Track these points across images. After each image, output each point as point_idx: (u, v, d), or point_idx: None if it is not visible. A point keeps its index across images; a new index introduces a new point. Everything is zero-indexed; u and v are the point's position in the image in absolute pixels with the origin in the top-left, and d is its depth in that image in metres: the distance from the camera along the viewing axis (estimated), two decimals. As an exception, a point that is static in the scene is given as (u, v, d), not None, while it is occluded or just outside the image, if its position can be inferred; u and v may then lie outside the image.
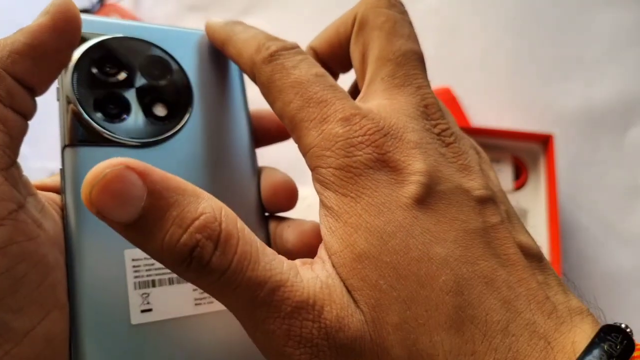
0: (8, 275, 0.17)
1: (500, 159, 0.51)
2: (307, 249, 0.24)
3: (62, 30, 0.19)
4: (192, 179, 0.21)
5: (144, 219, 0.16)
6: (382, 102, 0.21)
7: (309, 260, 0.19)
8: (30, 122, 0.20)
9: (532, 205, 0.50)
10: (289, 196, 0.25)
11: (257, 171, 0.26)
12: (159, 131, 0.22)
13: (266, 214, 0.26)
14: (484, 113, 0.56)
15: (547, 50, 0.59)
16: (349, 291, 0.18)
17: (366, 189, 0.19)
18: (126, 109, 0.22)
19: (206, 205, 0.17)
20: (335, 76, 0.27)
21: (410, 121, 0.20)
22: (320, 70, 0.21)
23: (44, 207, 0.20)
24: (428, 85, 0.23)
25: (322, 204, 0.20)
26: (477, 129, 0.50)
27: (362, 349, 0.17)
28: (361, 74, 0.23)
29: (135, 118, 0.22)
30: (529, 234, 0.21)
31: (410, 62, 0.22)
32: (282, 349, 0.17)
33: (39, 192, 0.20)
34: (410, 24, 0.23)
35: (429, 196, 0.19)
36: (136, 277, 0.20)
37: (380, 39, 0.22)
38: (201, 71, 0.25)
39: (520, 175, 0.51)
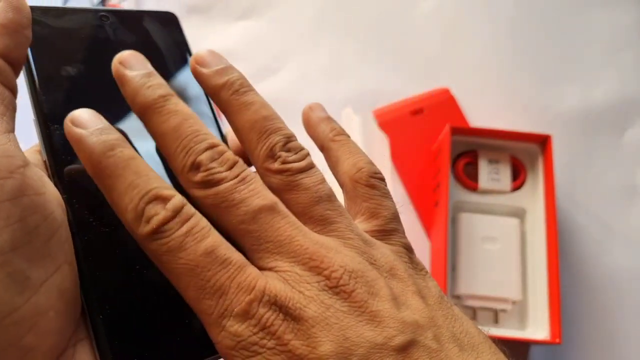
0: (21, 225, 0.18)
1: (498, 159, 0.51)
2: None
3: (18, 7, 0.21)
4: None
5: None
6: (279, 268, 0.20)
7: None
8: None
9: (530, 206, 0.50)
10: None
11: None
12: None
13: None
14: (482, 114, 0.56)
15: (545, 52, 0.59)
16: None
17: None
18: None
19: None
20: None
21: (304, 287, 0.19)
22: (210, 241, 0.19)
23: (42, 172, 0.21)
24: (300, 238, 0.20)
25: None
26: (476, 129, 0.51)
27: None
28: None
29: None
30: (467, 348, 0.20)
31: (265, 224, 0.21)
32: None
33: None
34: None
35: (407, 345, 0.18)
36: None
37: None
38: None
39: (519, 176, 0.51)
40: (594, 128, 0.56)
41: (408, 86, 0.57)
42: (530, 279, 0.48)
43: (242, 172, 0.21)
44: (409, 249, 0.23)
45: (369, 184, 0.23)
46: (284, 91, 0.57)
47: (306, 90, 0.57)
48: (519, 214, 0.50)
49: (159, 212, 0.19)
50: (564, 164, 0.53)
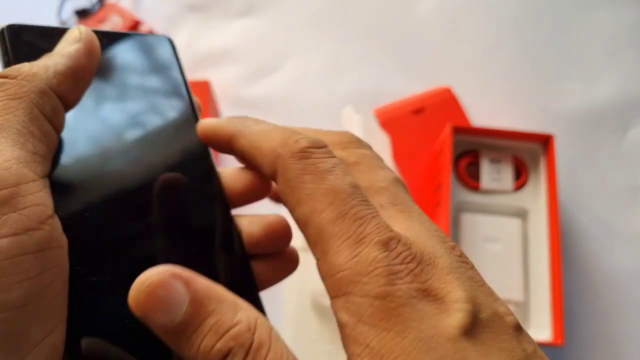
0: (37, 280, 0.17)
1: (500, 159, 0.51)
2: (274, 241, 0.24)
3: (92, 55, 0.22)
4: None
5: (184, 324, 0.17)
6: (403, 226, 0.20)
7: None
8: None
9: (532, 205, 0.50)
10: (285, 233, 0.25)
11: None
12: None
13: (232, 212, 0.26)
14: (484, 113, 0.56)
15: (547, 51, 0.59)
16: None
17: (412, 321, 0.17)
18: None
19: (242, 315, 0.18)
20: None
21: (436, 245, 0.19)
22: (354, 180, 0.20)
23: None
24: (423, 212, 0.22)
25: (354, 340, 0.18)
26: (478, 129, 0.50)
27: None
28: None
29: None
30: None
31: (401, 189, 0.22)
32: None
33: None
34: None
35: (474, 326, 0.18)
36: None
37: (364, 173, 0.22)
38: None
39: (521, 175, 0.51)
40: (596, 127, 0.56)
41: (409, 85, 0.56)
42: (532, 279, 0.48)
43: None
44: None
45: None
46: (284, 90, 0.57)
47: (306, 89, 0.57)
48: (521, 214, 0.50)
49: (308, 137, 0.21)
50: (566, 163, 0.53)
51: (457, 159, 0.51)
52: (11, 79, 0.19)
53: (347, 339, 0.18)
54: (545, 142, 0.50)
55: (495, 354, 0.18)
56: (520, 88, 0.57)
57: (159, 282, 0.17)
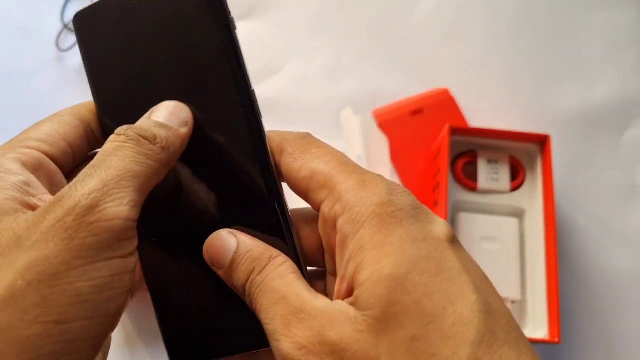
0: (126, 294, 0.22)
1: (497, 159, 0.51)
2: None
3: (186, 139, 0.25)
4: None
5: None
6: None
7: None
8: None
9: (529, 206, 0.50)
10: None
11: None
12: None
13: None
14: (481, 114, 0.56)
15: (544, 52, 0.59)
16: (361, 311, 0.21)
17: (403, 224, 0.21)
18: None
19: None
20: None
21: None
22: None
23: None
24: None
25: (353, 242, 0.21)
26: (475, 129, 0.51)
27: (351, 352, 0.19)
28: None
29: None
30: None
31: None
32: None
33: None
34: None
35: (455, 238, 0.23)
36: None
37: None
38: None
39: (518, 176, 0.51)
40: (593, 128, 0.56)
41: (408, 86, 0.57)
42: (529, 278, 0.48)
43: None
44: None
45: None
46: (284, 91, 0.57)
47: (306, 90, 0.57)
48: (518, 214, 0.50)
49: None
50: (563, 163, 0.54)
51: (454, 160, 0.52)
52: (150, 141, 0.23)
53: (344, 248, 0.22)
54: (542, 142, 0.50)
55: (471, 261, 0.23)
56: (518, 89, 0.58)
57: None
